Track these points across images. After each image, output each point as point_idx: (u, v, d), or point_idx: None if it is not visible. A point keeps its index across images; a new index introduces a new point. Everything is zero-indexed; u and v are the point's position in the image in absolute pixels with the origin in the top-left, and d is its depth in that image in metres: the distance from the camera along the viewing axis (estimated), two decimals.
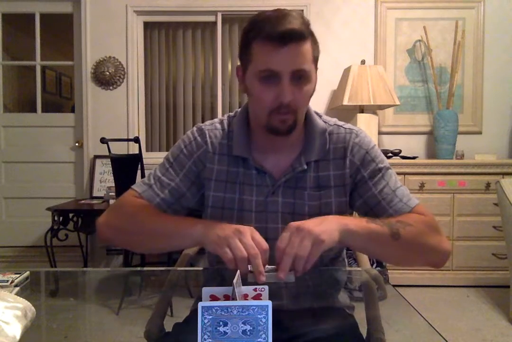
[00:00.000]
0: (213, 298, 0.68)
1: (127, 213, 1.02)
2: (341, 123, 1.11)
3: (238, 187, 1.05)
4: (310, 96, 1.00)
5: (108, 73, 3.62)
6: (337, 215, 0.95)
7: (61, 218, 2.96)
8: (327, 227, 0.85)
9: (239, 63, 1.03)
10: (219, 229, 0.87)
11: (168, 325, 1.07)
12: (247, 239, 0.82)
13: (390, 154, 3.34)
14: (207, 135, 1.09)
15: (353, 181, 1.06)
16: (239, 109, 1.12)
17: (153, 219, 0.98)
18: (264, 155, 1.06)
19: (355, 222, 0.90)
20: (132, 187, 1.08)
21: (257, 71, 0.95)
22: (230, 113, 1.14)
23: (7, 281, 1.00)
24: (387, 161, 1.08)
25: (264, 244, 0.83)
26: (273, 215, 1.03)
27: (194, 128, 1.12)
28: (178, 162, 1.08)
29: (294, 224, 0.85)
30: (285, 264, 0.80)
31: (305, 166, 1.03)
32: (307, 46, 0.94)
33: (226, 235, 0.84)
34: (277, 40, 0.91)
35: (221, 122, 1.12)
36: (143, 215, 0.99)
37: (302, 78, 0.95)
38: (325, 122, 1.09)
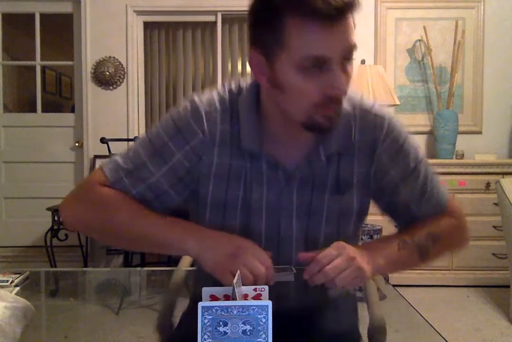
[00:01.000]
0: (213, 298, 0.68)
1: (101, 210, 0.86)
2: (368, 105, 0.91)
3: (243, 183, 0.89)
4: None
5: (108, 73, 3.62)
6: (373, 245, 0.93)
7: (61, 218, 2.96)
8: (370, 266, 0.81)
9: (252, 50, 0.81)
10: (215, 249, 0.79)
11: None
12: (250, 261, 0.76)
13: None
14: (204, 120, 0.87)
15: (379, 180, 0.92)
16: (244, 84, 0.91)
17: (134, 221, 0.84)
18: (276, 146, 0.88)
19: (389, 257, 0.86)
20: (104, 168, 0.89)
21: (299, 59, 0.74)
22: (231, 87, 0.91)
23: (7, 281, 1.00)
24: (419, 151, 0.95)
25: (268, 263, 0.78)
26: (286, 212, 0.90)
27: (188, 106, 0.89)
28: (165, 151, 0.88)
29: (348, 250, 0.79)
30: (317, 280, 0.77)
31: (324, 160, 0.88)
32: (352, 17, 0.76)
33: (225, 260, 0.77)
34: (331, 16, 0.71)
35: (222, 101, 0.89)
36: (123, 215, 0.85)
37: (350, 57, 0.78)
38: (349, 102, 0.88)
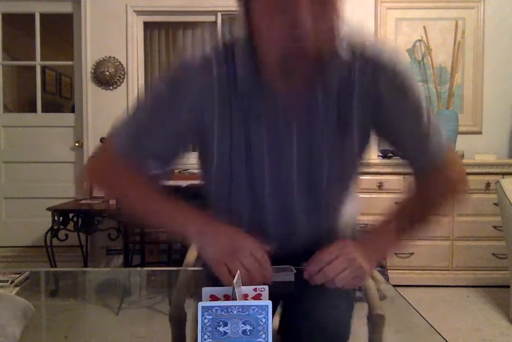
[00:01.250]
0: (213, 298, 0.68)
1: (113, 190, 0.95)
2: (373, 50, 0.90)
3: (244, 130, 0.87)
4: (341, 22, 0.75)
5: (108, 73, 3.62)
6: (379, 234, 0.94)
7: (61, 218, 2.96)
8: (371, 264, 0.83)
9: None
10: (215, 245, 0.81)
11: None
12: (249, 262, 0.77)
13: (390, 154, 3.34)
14: (198, 79, 0.85)
15: (379, 120, 0.90)
16: (239, 32, 0.87)
17: (142, 204, 0.89)
18: (274, 87, 0.85)
19: (389, 247, 0.91)
20: (110, 141, 0.94)
21: None
22: (224, 36, 0.89)
23: (7, 281, 1.00)
24: (422, 96, 0.91)
25: (266, 262, 0.78)
26: (287, 154, 0.89)
27: (180, 59, 0.88)
28: (164, 112, 0.87)
29: (348, 249, 0.81)
30: (317, 280, 0.79)
31: (323, 97, 0.85)
32: None
33: (224, 257, 0.78)
34: None
35: (217, 52, 0.86)
36: (131, 198, 0.91)
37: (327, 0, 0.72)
38: (349, 46, 0.87)
